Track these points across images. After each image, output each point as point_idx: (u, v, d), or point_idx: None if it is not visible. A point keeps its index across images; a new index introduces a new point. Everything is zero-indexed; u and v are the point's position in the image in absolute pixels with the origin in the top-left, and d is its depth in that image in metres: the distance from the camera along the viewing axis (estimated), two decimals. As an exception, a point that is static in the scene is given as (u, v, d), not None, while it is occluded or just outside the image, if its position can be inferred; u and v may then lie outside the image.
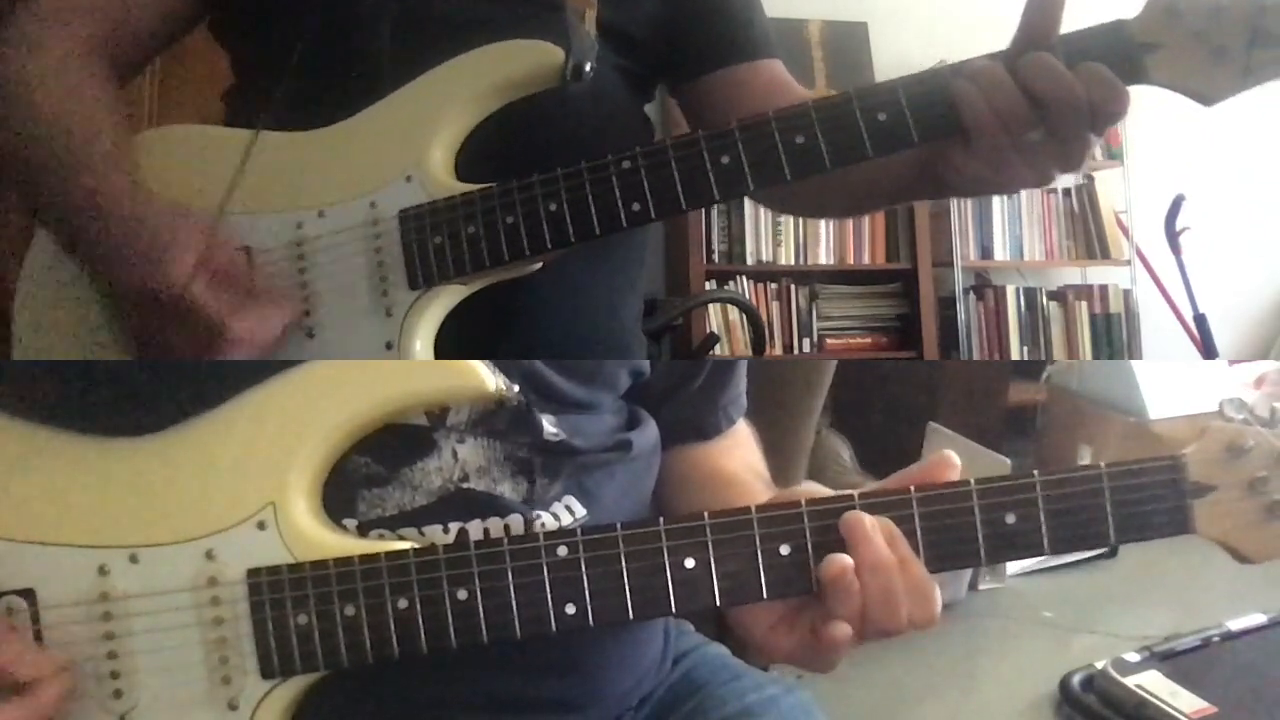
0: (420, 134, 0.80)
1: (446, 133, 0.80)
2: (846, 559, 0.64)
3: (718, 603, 0.66)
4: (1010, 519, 0.66)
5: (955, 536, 0.66)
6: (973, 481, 0.67)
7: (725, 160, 0.75)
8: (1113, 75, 0.70)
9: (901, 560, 0.65)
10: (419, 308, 0.78)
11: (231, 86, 0.95)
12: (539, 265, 0.80)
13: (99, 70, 0.85)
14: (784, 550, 0.66)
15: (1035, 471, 0.67)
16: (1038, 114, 0.70)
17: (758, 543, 0.66)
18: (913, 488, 0.67)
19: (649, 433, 0.84)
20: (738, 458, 0.90)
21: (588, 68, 0.79)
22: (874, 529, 0.65)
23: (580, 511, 0.75)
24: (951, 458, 0.68)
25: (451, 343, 0.79)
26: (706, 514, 0.66)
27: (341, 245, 0.79)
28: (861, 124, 0.73)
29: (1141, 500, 0.67)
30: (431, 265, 0.77)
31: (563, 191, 0.75)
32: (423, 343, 0.78)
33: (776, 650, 0.69)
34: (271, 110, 0.79)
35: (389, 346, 0.78)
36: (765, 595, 0.66)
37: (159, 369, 0.72)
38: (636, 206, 0.75)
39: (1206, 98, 0.73)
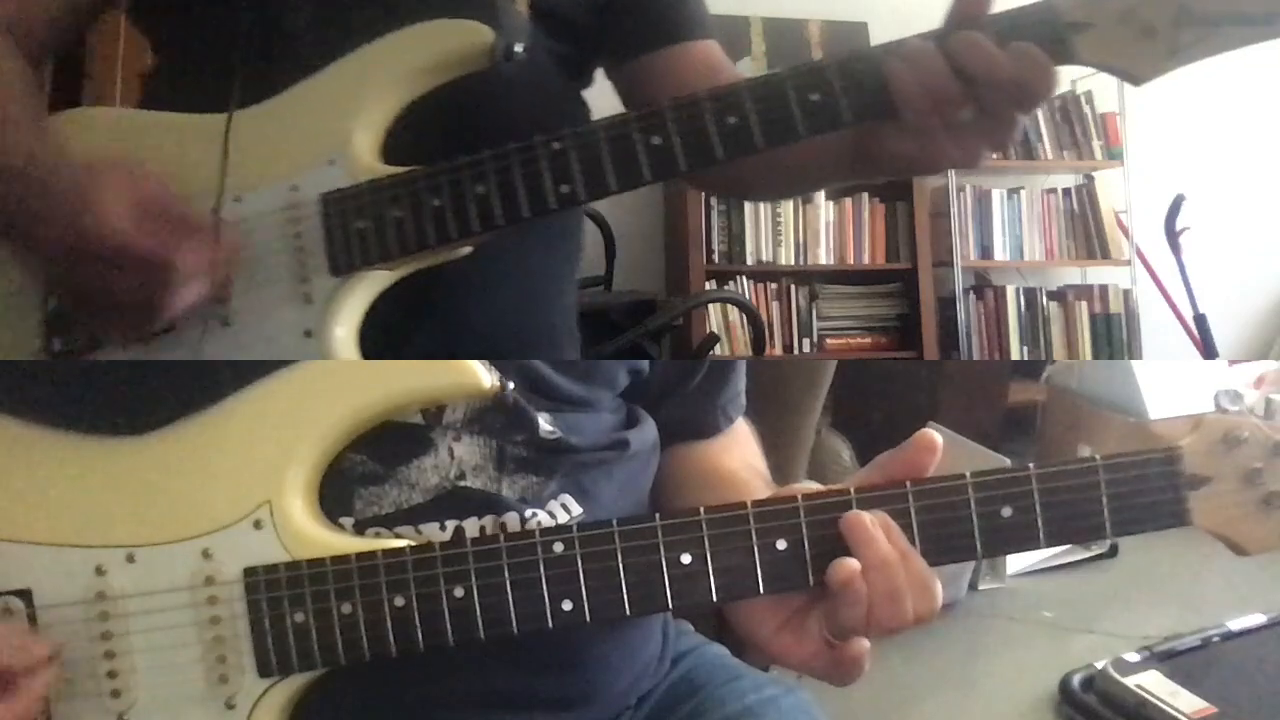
0: (344, 116, 0.77)
1: (372, 115, 0.77)
2: (854, 562, 0.64)
3: (714, 598, 0.66)
4: (1006, 511, 0.66)
5: (951, 530, 0.66)
6: (968, 475, 0.67)
7: (657, 141, 0.73)
8: (1042, 54, 0.70)
9: (902, 554, 0.65)
10: (341, 294, 0.76)
11: (151, 69, 0.93)
12: (467, 250, 0.78)
13: (6, 47, 0.83)
14: (780, 545, 0.66)
15: (1031, 464, 0.67)
16: (967, 93, 0.70)
17: (754, 538, 0.66)
18: (909, 482, 0.67)
19: (647, 432, 0.84)
20: (737, 456, 0.90)
21: (518, 48, 0.77)
22: (874, 527, 0.65)
23: (577, 510, 0.75)
24: (932, 437, 0.67)
25: (372, 331, 0.77)
26: (703, 509, 0.66)
27: (259, 230, 0.77)
28: (794, 104, 0.73)
29: (1137, 492, 0.67)
30: (354, 250, 0.75)
31: (490, 174, 0.74)
32: (345, 330, 0.76)
33: (790, 658, 0.69)
34: (235, 92, 0.76)
35: (308, 334, 0.75)
36: (762, 590, 0.66)
37: (156, 368, 0.72)
38: (565, 188, 0.74)
39: (1135, 77, 0.73)
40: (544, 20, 0.86)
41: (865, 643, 0.65)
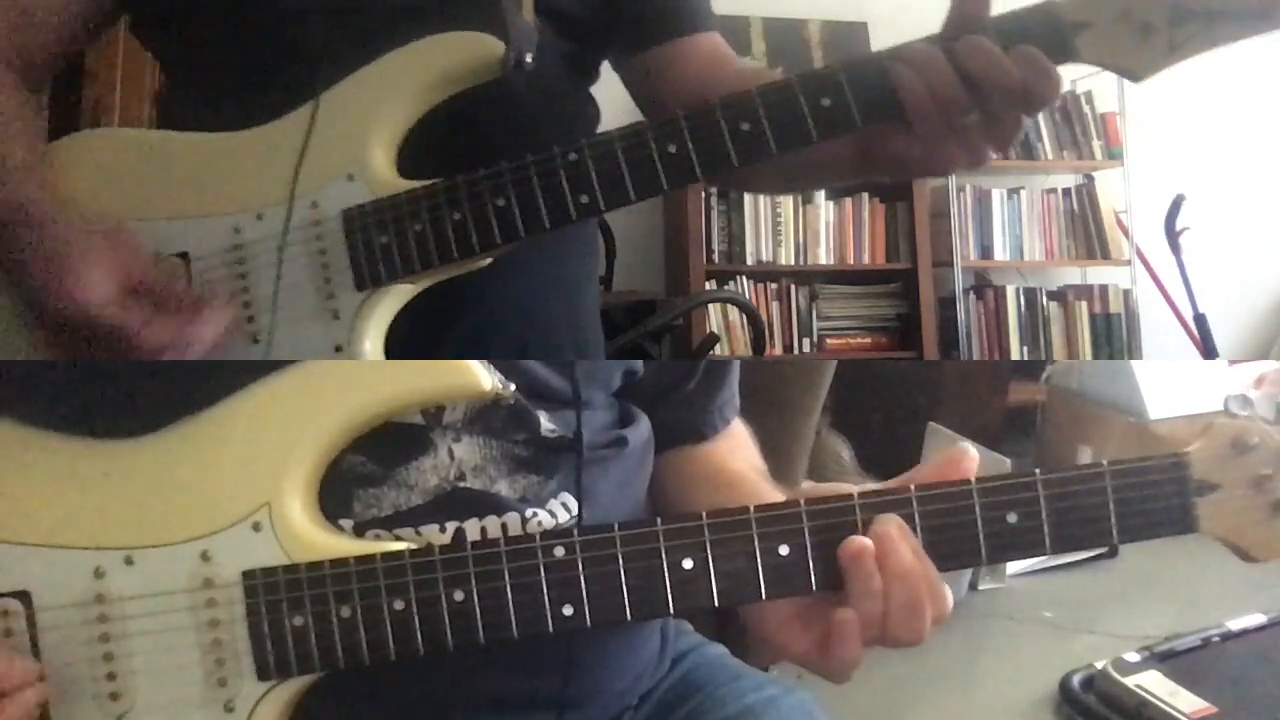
0: (359, 131, 0.78)
1: (387, 129, 0.78)
2: (866, 540, 0.64)
3: (716, 603, 0.66)
4: (1012, 518, 0.66)
5: (956, 536, 0.66)
6: (973, 480, 0.66)
7: (672, 149, 0.74)
8: (1045, 59, 0.71)
9: (915, 554, 0.65)
10: (367, 309, 0.77)
11: (161, 88, 0.94)
12: (488, 261, 0.79)
13: (4, 78, 0.83)
14: (783, 550, 0.66)
15: (1037, 470, 0.66)
16: (973, 97, 0.71)
17: (756, 543, 0.65)
18: (913, 486, 0.66)
19: (642, 429, 0.84)
20: (742, 458, 0.90)
21: (528, 58, 0.78)
22: (900, 537, 0.65)
23: (576, 508, 0.75)
24: (969, 451, 0.68)
25: (399, 341, 0.78)
26: (704, 514, 0.66)
27: (284, 248, 0.77)
28: (806, 109, 0.74)
29: (1145, 499, 0.66)
30: (378, 265, 0.76)
31: (510, 186, 0.74)
32: (372, 344, 0.77)
33: (789, 649, 0.69)
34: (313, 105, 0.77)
35: (338, 349, 0.76)
36: (764, 595, 0.66)
37: (154, 370, 0.72)
38: (585, 198, 0.75)
39: (1135, 74, 0.74)
40: (550, 20, 0.86)
41: (851, 613, 0.65)
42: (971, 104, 0.71)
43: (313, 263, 0.77)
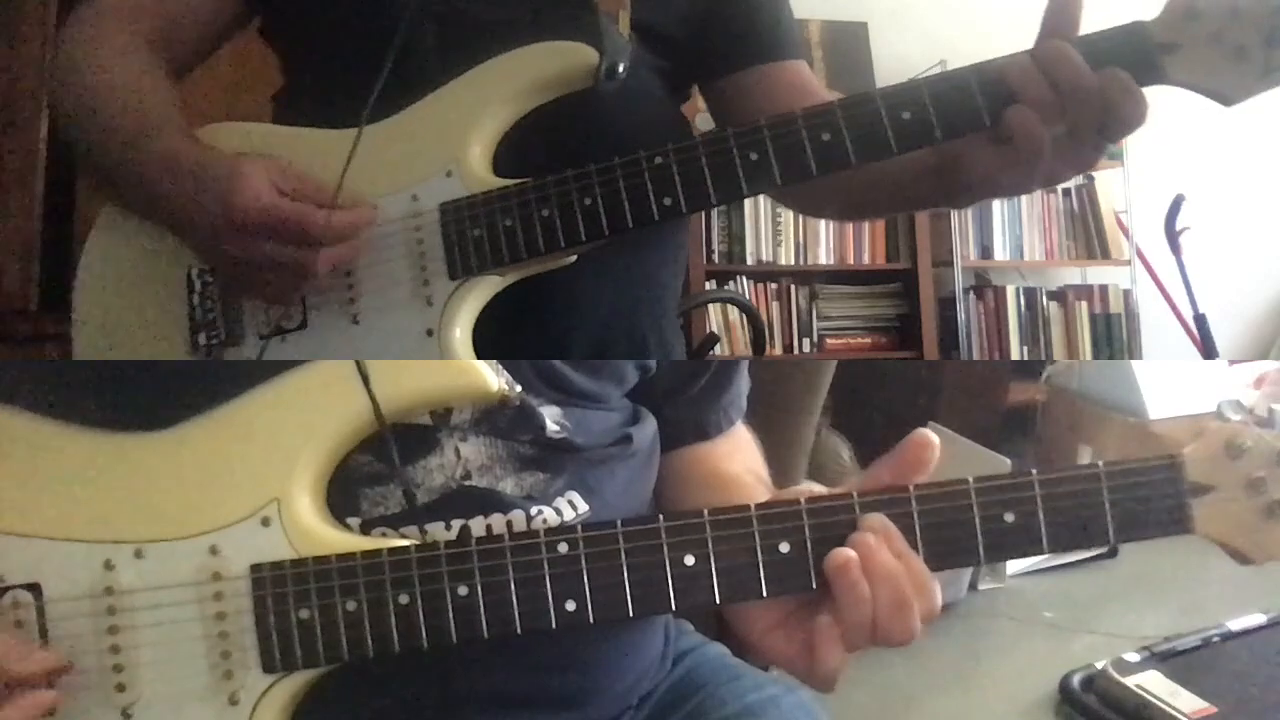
0: (460, 131, 0.83)
1: (485, 130, 0.83)
2: (850, 551, 0.65)
3: (717, 600, 0.66)
4: (1009, 518, 0.66)
5: (954, 535, 0.67)
6: (971, 480, 0.67)
7: (754, 156, 0.77)
8: (1130, 79, 0.71)
9: (901, 557, 0.65)
10: (458, 297, 0.81)
11: (281, 88, 0.98)
12: (573, 258, 0.82)
13: (157, 62, 0.90)
14: (784, 548, 0.66)
15: (1034, 470, 0.67)
16: (1059, 104, 0.72)
17: (757, 540, 0.66)
18: (911, 486, 0.67)
19: (648, 428, 0.85)
20: (739, 461, 0.90)
21: (621, 68, 0.81)
22: (878, 542, 0.65)
23: (583, 507, 0.76)
24: (927, 436, 0.68)
25: (489, 332, 0.81)
26: (706, 511, 0.66)
27: (385, 236, 0.82)
28: (886, 121, 0.75)
29: (1140, 500, 0.67)
30: (470, 256, 0.80)
31: (596, 186, 0.78)
32: (462, 331, 0.81)
33: (773, 654, 0.70)
34: (366, 109, 0.81)
35: (429, 334, 0.81)
36: (765, 593, 0.66)
37: (167, 368, 0.72)
38: (668, 200, 0.78)
39: (1226, 98, 0.74)
40: (645, 37, 0.89)
41: (828, 619, 0.65)
42: (1059, 111, 0.72)
43: (411, 251, 0.82)
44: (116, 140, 0.84)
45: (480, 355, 0.80)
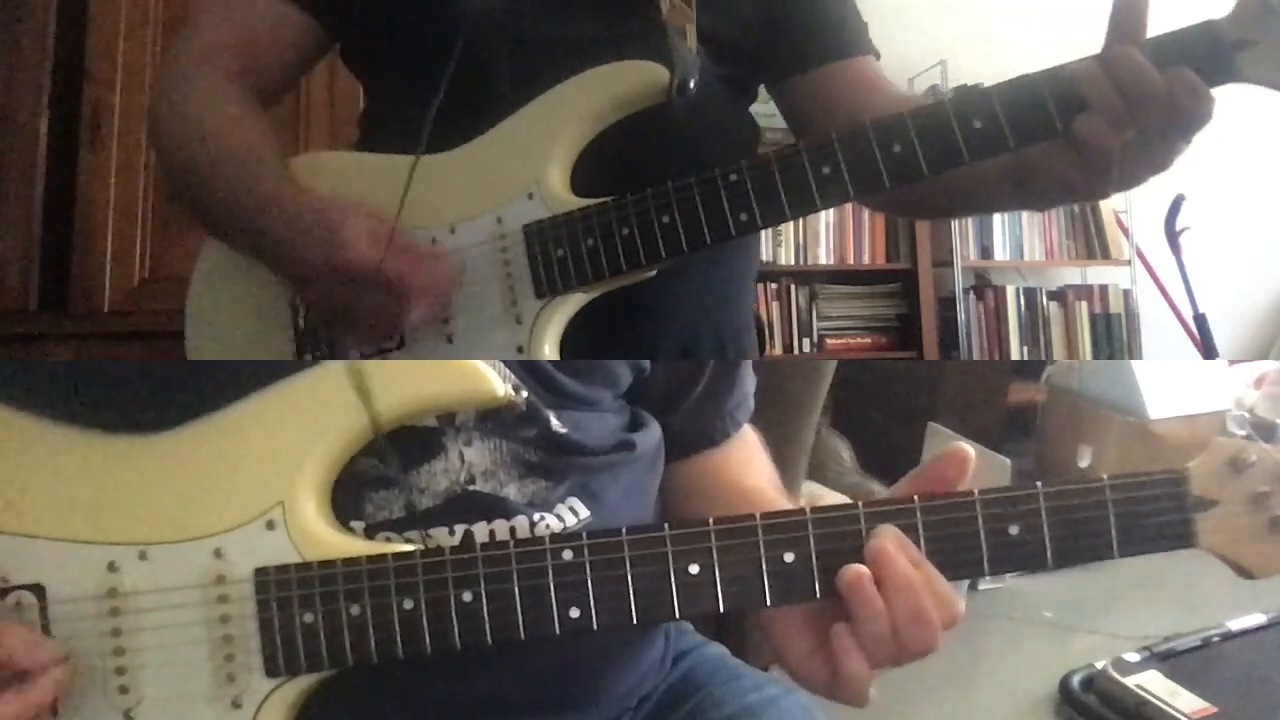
0: (539, 153, 0.85)
1: (562, 151, 0.85)
2: (860, 567, 0.65)
3: (722, 609, 0.66)
4: (1014, 530, 0.67)
5: (959, 546, 0.67)
6: (976, 492, 0.67)
7: (826, 170, 0.78)
8: (1194, 77, 0.71)
9: (924, 574, 0.65)
10: (546, 315, 0.84)
11: (363, 112, 1.00)
12: (654, 272, 0.83)
13: (248, 97, 0.92)
14: (788, 558, 0.66)
15: (1039, 483, 0.67)
16: (1129, 108, 0.72)
17: (762, 549, 0.66)
18: (916, 498, 0.67)
19: (652, 434, 0.85)
20: (755, 472, 0.90)
21: (691, 84, 0.83)
22: (896, 551, 0.65)
23: (585, 513, 0.76)
24: (965, 450, 0.68)
25: (577, 347, 0.84)
26: (711, 520, 0.66)
27: (473, 258, 0.85)
28: (958, 131, 0.76)
29: (1145, 514, 0.67)
30: (555, 275, 0.83)
31: (674, 203, 0.80)
32: (550, 346, 0.84)
33: (814, 683, 0.69)
34: (422, 133, 0.82)
35: (520, 350, 0.83)
36: (769, 602, 0.66)
37: (172, 369, 0.72)
38: (744, 216, 0.79)
39: None
40: (710, 47, 0.90)
41: (863, 662, 0.65)
42: (1128, 116, 0.72)
43: (499, 272, 0.85)
44: (217, 187, 0.87)
45: None
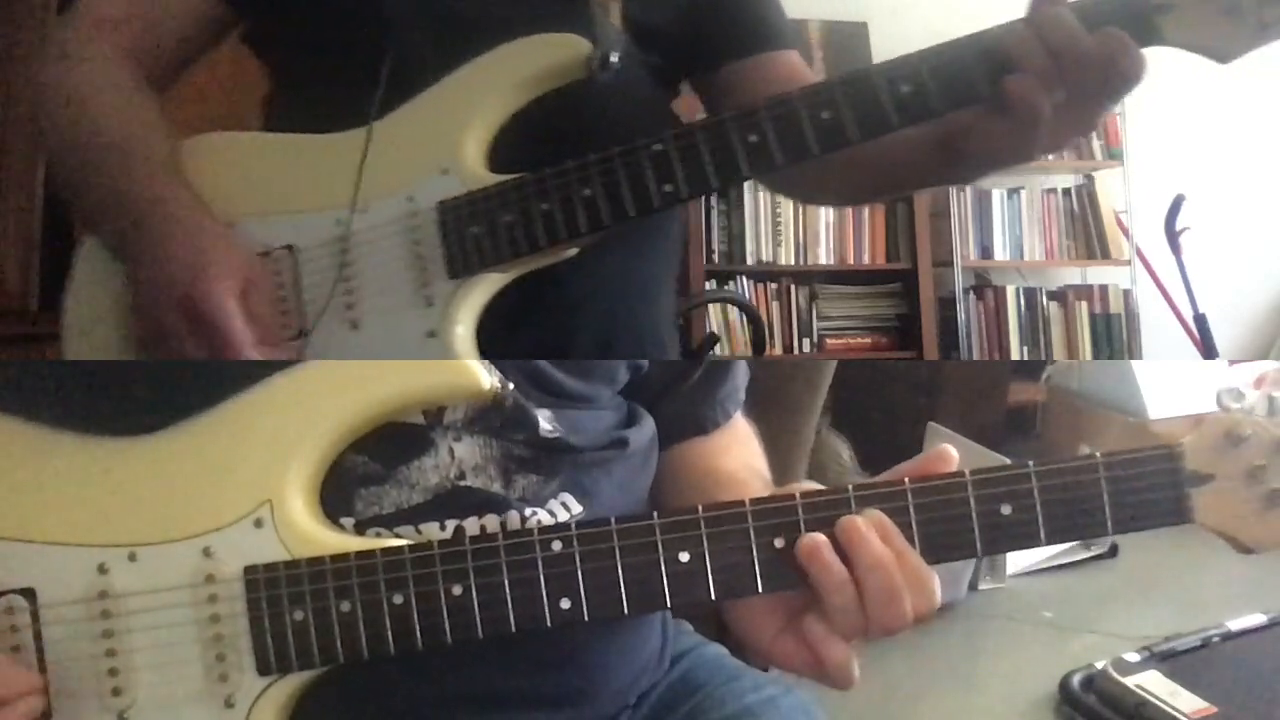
0: (454, 128, 0.82)
1: (479, 126, 0.82)
2: (819, 536, 0.65)
3: (713, 596, 0.66)
4: (1006, 509, 0.66)
5: (951, 528, 0.66)
6: (967, 473, 0.66)
7: (753, 138, 0.76)
8: (1126, 36, 0.71)
9: (898, 553, 0.65)
10: (460, 297, 0.80)
11: (268, 94, 0.97)
12: (575, 251, 0.81)
13: (139, 79, 0.88)
14: (778, 543, 0.66)
15: (1030, 462, 0.67)
16: (1058, 69, 0.72)
17: (752, 536, 0.66)
18: (907, 480, 0.66)
19: (646, 430, 0.85)
20: (735, 455, 0.90)
21: (614, 58, 0.80)
22: (868, 529, 0.65)
23: (577, 509, 0.75)
24: (949, 452, 0.68)
25: (490, 334, 0.81)
26: (700, 507, 0.66)
27: (382, 239, 0.81)
28: (885, 96, 0.75)
29: (1139, 489, 0.66)
30: (470, 254, 0.80)
31: (595, 176, 0.77)
32: (464, 329, 0.80)
33: (784, 659, 0.69)
34: (374, 98, 0.81)
35: (432, 335, 0.80)
36: (760, 589, 0.66)
37: (157, 369, 0.72)
38: (669, 187, 0.77)
39: (1221, 55, 0.73)
40: (635, 32, 0.88)
41: (843, 648, 0.65)
42: (1059, 77, 0.72)
43: (409, 253, 0.81)
44: (99, 181, 0.82)
45: (483, 357, 0.79)
